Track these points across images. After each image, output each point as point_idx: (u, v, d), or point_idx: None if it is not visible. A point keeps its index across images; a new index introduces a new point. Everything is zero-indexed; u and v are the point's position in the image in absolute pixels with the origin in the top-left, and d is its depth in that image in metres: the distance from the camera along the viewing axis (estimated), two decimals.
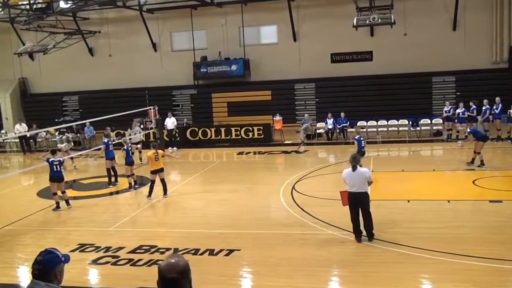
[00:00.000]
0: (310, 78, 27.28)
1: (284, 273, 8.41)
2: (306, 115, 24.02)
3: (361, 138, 14.79)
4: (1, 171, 19.88)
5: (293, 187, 14.18)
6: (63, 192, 13.54)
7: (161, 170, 13.98)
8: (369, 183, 9.44)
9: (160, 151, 14.30)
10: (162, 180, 14.02)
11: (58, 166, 13.38)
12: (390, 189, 13.65)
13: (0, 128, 26.35)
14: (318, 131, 23.47)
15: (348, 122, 22.71)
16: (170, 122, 22.91)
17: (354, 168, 9.34)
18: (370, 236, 9.41)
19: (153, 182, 13.92)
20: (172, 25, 29.09)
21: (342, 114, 22.65)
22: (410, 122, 22.13)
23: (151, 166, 13.91)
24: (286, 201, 12.86)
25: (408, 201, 12.16)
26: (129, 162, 15.37)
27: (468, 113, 20.40)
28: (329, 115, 22.84)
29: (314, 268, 8.54)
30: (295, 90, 27.94)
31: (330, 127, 22.73)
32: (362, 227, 9.49)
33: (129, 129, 20.91)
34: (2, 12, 24.69)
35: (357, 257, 8.97)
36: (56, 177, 13.34)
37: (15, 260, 9.99)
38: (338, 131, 22.67)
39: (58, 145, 21.06)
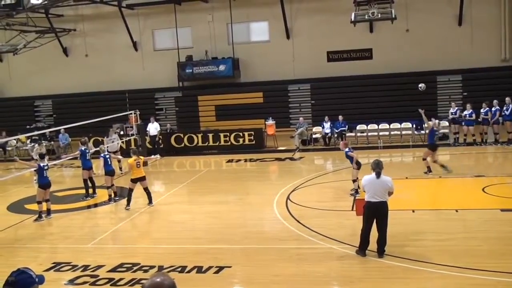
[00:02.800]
0: (305, 78, 27.39)
1: None
2: (301, 118, 24.08)
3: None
4: None
5: (288, 197, 14.20)
6: (47, 200, 13.70)
7: (143, 178, 14.06)
8: (390, 193, 9.34)
9: (141, 158, 14.36)
10: (146, 189, 14.12)
11: (47, 171, 13.66)
12: (393, 198, 13.67)
13: None
14: (314, 136, 23.54)
15: (347, 126, 22.85)
16: (153, 128, 22.89)
17: (378, 175, 9.22)
18: (382, 252, 9.29)
19: (131, 190, 13.99)
20: (154, 22, 29.10)
21: (340, 117, 22.77)
22: (414, 125, 22.25)
23: (132, 174, 13.97)
24: (281, 212, 12.86)
25: (413, 211, 12.21)
26: (109, 171, 15.34)
27: (483, 116, 20.49)
28: (326, 118, 22.93)
29: (312, 285, 8.55)
30: (289, 91, 28.04)
31: (327, 131, 22.82)
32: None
33: (105, 137, 20.85)
34: None
35: (358, 272, 8.99)
36: (46, 183, 13.60)
37: None
38: (336, 135, 22.77)
39: (33, 154, 20.99)
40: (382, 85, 26.21)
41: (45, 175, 13.64)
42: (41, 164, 13.73)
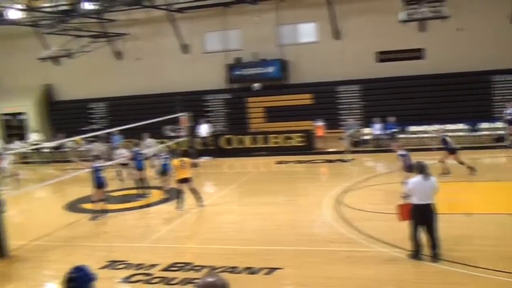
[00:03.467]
0: (354, 79, 27.09)
1: None
2: (351, 120, 23.86)
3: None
4: (26, 183, 20.48)
5: (338, 200, 14.11)
6: (103, 200, 14.19)
7: (189, 179, 14.27)
8: (434, 194, 9.22)
9: (186, 159, 14.60)
10: (192, 190, 14.29)
11: (101, 172, 14.16)
12: (448, 201, 13.39)
13: (24, 138, 27.21)
14: (364, 137, 23.27)
15: (398, 127, 22.47)
16: (204, 129, 23.20)
17: (427, 177, 9.09)
18: (436, 256, 9.10)
19: (180, 192, 14.23)
20: (204, 25, 29.42)
21: (391, 119, 22.42)
22: (468, 127, 21.65)
23: (177, 175, 14.23)
24: (331, 215, 12.81)
25: (469, 215, 11.91)
26: (164, 172, 15.62)
27: None
28: (377, 119, 22.62)
29: None
30: (338, 92, 27.78)
31: (378, 132, 22.51)
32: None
33: (141, 142, 21.12)
34: (25, 16, 25.54)
35: (410, 277, 8.85)
36: (102, 183, 14.09)
37: (42, 278, 10.30)
38: (387, 137, 22.42)
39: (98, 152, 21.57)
40: (434, 86, 25.58)
41: (100, 175, 14.06)
42: (96, 165, 14.16)
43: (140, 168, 16.36)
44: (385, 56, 26.74)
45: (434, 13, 20.07)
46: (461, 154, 16.43)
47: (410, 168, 13.47)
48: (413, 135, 22.52)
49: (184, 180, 14.24)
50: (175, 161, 14.35)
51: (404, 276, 8.84)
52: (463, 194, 13.85)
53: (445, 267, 8.87)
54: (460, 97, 24.93)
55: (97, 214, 14.00)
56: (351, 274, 9.07)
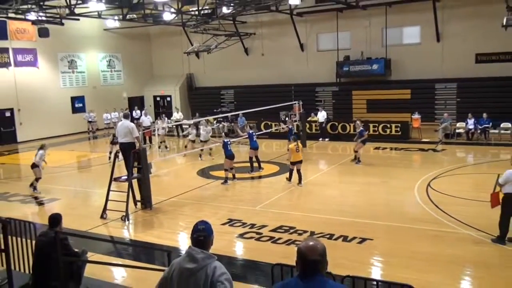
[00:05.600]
0: (452, 78, 25.29)
1: (416, 266, 7.94)
2: (445, 114, 22.35)
3: None
4: (169, 152, 21.66)
5: (429, 184, 13.33)
6: (232, 168, 14.72)
7: (300, 162, 14.18)
8: None
9: (300, 144, 14.53)
10: (298, 171, 14.15)
11: (230, 146, 14.72)
12: None
13: (169, 115, 28.72)
14: (457, 130, 21.73)
15: (491, 123, 20.69)
16: (321, 116, 23.24)
17: None
18: None
19: (291, 170, 14.29)
20: (319, 27, 29.00)
21: (485, 115, 20.69)
22: None
23: (292, 157, 14.12)
24: (421, 197, 12.14)
25: None
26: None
27: None
28: (470, 115, 21.00)
29: (448, 265, 7.94)
30: (436, 89, 26.13)
31: (470, 127, 20.91)
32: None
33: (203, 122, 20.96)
34: (176, 18, 26.77)
35: (495, 259, 8.13)
36: (230, 155, 14.60)
37: (177, 227, 10.86)
38: (479, 131, 20.75)
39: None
40: None
41: (229, 148, 14.55)
42: (225, 140, 14.72)
43: (254, 147, 16.41)
44: (484, 58, 24.61)
45: None
46: None
47: None
48: (505, 131, 20.62)
49: (297, 162, 14.16)
50: (291, 145, 14.24)
51: (489, 259, 8.14)
52: None
53: None
54: None
55: (227, 180, 14.47)
56: (438, 251, 8.54)
